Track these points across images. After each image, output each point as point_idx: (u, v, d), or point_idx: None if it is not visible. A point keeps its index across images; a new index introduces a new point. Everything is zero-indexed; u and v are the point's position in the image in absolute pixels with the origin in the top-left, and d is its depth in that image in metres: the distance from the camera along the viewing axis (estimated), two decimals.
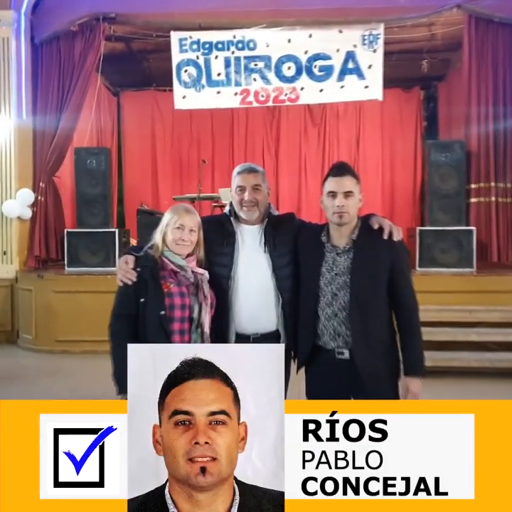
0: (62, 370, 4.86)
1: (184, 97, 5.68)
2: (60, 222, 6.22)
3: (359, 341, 2.13)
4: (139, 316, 2.20)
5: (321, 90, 5.64)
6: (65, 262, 5.80)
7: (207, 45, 5.65)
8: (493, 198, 5.59)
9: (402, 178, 8.19)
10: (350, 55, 5.57)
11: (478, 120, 5.58)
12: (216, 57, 5.65)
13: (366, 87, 5.63)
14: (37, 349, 5.52)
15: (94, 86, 6.16)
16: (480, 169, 5.62)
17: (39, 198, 5.93)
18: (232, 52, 5.62)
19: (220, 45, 5.64)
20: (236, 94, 5.64)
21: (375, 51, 5.54)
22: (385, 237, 2.28)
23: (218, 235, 2.47)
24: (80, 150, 5.97)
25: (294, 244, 2.46)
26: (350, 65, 5.58)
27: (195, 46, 5.65)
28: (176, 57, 5.65)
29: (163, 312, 2.17)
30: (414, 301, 2.27)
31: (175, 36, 5.68)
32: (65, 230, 5.89)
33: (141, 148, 8.31)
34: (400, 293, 2.24)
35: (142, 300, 2.21)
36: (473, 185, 5.65)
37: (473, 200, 5.65)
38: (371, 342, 2.15)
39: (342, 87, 5.63)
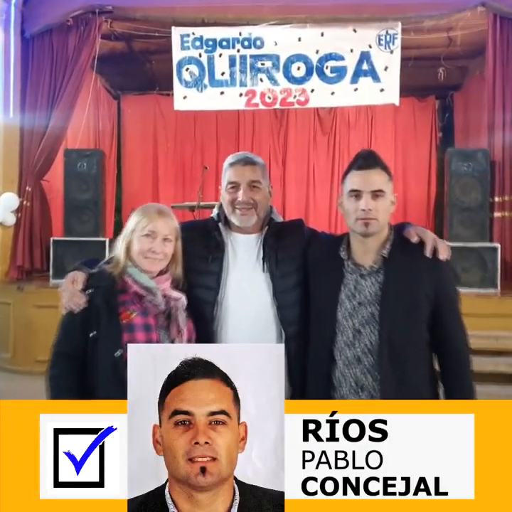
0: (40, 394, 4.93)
1: (185, 98, 5.88)
2: (47, 229, 6.37)
3: (390, 397, 1.71)
4: (88, 356, 1.86)
5: (333, 93, 5.82)
6: (50, 273, 5.94)
7: (210, 43, 5.86)
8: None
9: (415, 190, 8.47)
10: (364, 56, 5.76)
11: (503, 128, 5.73)
12: (220, 55, 5.85)
13: (382, 90, 5.81)
14: (14, 369, 5.57)
15: (88, 84, 6.37)
16: (504, 181, 5.77)
17: (24, 203, 6.08)
18: (238, 51, 5.82)
19: (224, 43, 5.84)
20: (241, 95, 5.83)
21: (391, 52, 5.73)
22: (428, 254, 1.93)
23: (202, 247, 2.15)
24: (71, 152, 6.17)
25: (302, 260, 2.14)
26: (365, 67, 5.77)
27: (197, 43, 5.86)
28: (177, 54, 5.85)
29: (119, 352, 1.79)
30: (466, 342, 1.92)
31: (176, 32, 5.89)
32: (51, 239, 6.04)
33: (142, 154, 8.61)
34: (446, 331, 1.90)
35: (92, 334, 1.87)
36: (496, 199, 5.78)
37: (496, 214, 5.78)
38: (406, 398, 1.67)
39: (355, 89, 5.82)
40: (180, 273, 2.07)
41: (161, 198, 8.44)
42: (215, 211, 2.30)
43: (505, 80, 5.75)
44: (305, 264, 2.13)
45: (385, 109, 7.97)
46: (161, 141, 8.63)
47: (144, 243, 1.97)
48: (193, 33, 5.88)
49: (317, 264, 2.08)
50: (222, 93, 5.87)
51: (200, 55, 5.87)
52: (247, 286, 2.13)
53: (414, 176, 8.50)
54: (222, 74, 5.85)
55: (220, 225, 2.21)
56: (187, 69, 5.88)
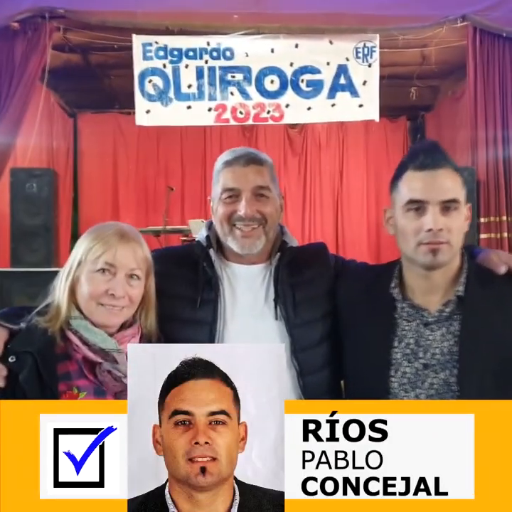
0: None
1: (148, 112, 6.06)
2: None
3: None
4: None
5: (309, 108, 6.10)
6: None
7: (176, 52, 6.06)
8: (506, 234, 6.05)
9: None
10: (342, 70, 6.07)
11: (486, 146, 6.08)
12: (186, 66, 6.06)
13: (360, 105, 6.13)
14: None
15: (38, 97, 6.49)
16: (489, 201, 6.11)
17: None
18: (206, 62, 6.05)
19: (191, 53, 6.06)
20: (210, 109, 6.05)
21: (370, 66, 6.07)
22: None
23: (186, 285, 1.80)
24: (18, 171, 6.22)
25: (331, 302, 1.80)
26: (342, 81, 6.09)
27: (161, 53, 6.06)
28: (139, 65, 6.03)
29: None
30: None
31: (137, 40, 6.07)
32: None
33: (101, 176, 8.84)
34: None
35: None
36: (482, 219, 6.11)
37: (483, 236, 6.10)
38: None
39: (333, 105, 6.12)
40: (153, 325, 1.69)
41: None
42: (202, 232, 1.89)
43: (487, 96, 6.07)
44: (337, 306, 1.76)
45: (357, 130, 8.53)
46: (122, 163, 8.87)
47: (99, 282, 1.57)
48: (156, 42, 6.06)
49: (354, 308, 1.69)
50: (189, 107, 6.06)
51: (164, 66, 6.05)
52: (252, 341, 1.74)
53: (388, 197, 8.85)
54: (189, 86, 6.05)
55: (210, 252, 1.82)
56: (150, 81, 6.05)
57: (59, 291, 1.61)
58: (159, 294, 1.70)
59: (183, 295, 1.79)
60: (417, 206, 1.58)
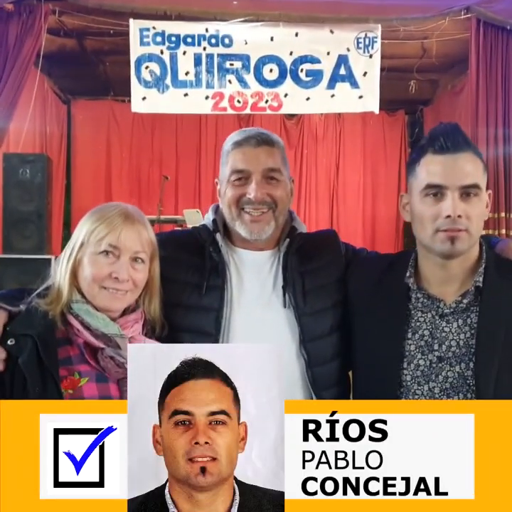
0: None
1: (144, 99, 6.04)
2: None
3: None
4: None
5: (308, 98, 6.08)
6: None
7: (173, 38, 6.04)
8: (504, 231, 6.08)
9: (384, 207, 9.06)
10: (342, 60, 6.05)
11: (486, 143, 6.07)
12: (184, 52, 6.04)
13: (360, 97, 6.11)
14: None
15: (32, 83, 6.47)
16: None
17: None
18: (204, 49, 6.03)
19: (189, 39, 6.03)
20: (207, 97, 6.03)
21: (371, 56, 6.05)
22: None
23: (192, 270, 1.79)
24: (10, 156, 6.24)
25: (342, 291, 1.78)
26: (342, 71, 6.06)
27: (159, 39, 6.03)
28: (136, 50, 6.01)
29: None
30: None
31: (135, 25, 6.03)
32: None
33: (94, 164, 8.85)
34: None
35: None
36: None
37: None
38: None
39: (332, 96, 6.11)
40: (157, 311, 1.68)
41: None
42: (209, 216, 1.87)
43: (489, 91, 6.07)
44: (348, 296, 1.75)
45: (354, 123, 8.64)
46: (116, 151, 8.88)
47: (102, 265, 1.55)
48: (154, 27, 6.03)
49: (366, 298, 1.68)
50: (186, 95, 6.04)
51: (161, 52, 6.03)
52: (259, 330, 1.74)
53: (384, 192, 9.06)
54: (187, 74, 6.02)
55: (217, 236, 1.79)
56: (147, 67, 6.03)
57: (60, 274, 1.60)
58: (164, 279, 1.69)
59: (189, 280, 1.77)
60: (436, 191, 1.54)
